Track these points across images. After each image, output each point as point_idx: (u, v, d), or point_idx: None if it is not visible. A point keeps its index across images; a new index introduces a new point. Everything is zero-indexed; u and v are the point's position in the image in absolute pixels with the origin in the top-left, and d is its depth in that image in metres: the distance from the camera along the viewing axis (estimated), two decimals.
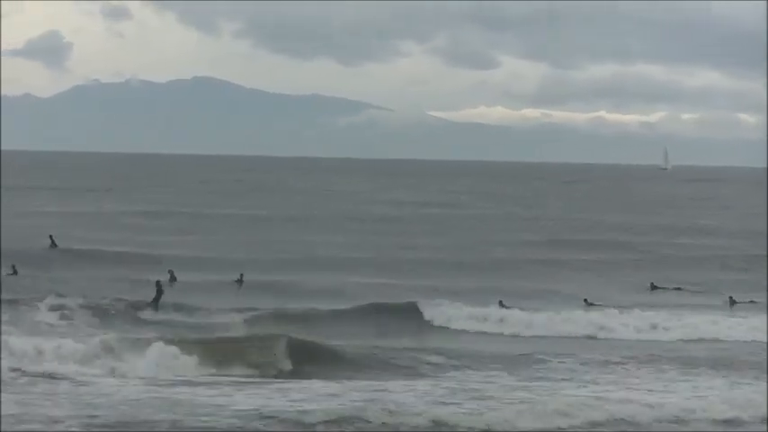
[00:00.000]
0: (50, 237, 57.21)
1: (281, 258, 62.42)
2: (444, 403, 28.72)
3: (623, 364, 36.31)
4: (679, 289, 56.24)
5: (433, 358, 36.11)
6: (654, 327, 44.72)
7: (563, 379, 33.44)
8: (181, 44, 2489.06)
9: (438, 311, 46.33)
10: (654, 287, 56.03)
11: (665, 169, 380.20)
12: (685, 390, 31.81)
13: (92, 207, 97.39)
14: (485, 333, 44.18)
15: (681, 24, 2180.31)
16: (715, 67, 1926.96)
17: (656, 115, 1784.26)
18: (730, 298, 51.86)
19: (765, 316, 44.98)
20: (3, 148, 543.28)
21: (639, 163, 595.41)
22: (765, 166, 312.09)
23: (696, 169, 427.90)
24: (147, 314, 42.66)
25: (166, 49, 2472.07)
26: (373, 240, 74.16)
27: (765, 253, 66.32)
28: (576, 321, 45.24)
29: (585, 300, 50.15)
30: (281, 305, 46.03)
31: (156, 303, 43.43)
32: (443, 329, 44.81)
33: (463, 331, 44.46)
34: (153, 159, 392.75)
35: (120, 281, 50.56)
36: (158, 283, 44.04)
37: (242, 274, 52.53)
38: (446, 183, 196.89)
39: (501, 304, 47.22)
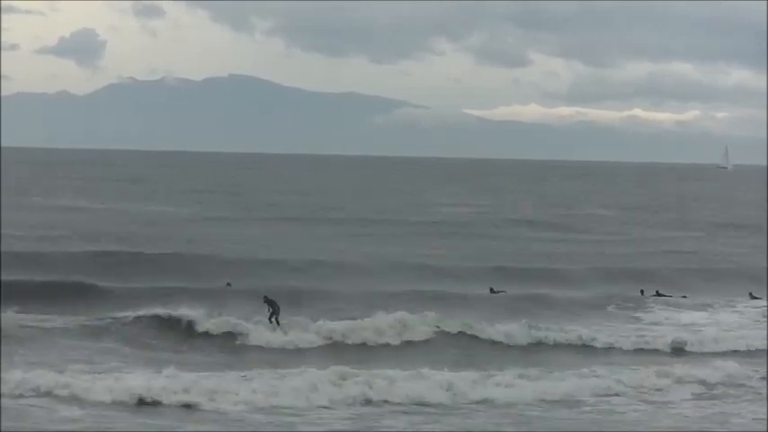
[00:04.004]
0: None
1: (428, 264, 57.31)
2: None
3: None
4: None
5: None
6: None
7: None
8: (214, 42, 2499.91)
9: None
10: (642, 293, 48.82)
11: (725, 168, 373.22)
12: None
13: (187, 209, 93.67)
14: None
15: (716, 23, 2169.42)
16: (748, 65, 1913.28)
17: (691, 114, 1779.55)
18: (750, 294, 49.00)
19: None
20: (45, 146, 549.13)
21: (676, 161, 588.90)
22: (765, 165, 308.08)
23: (755, 168, 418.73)
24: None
25: (199, 48, 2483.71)
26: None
27: None
28: None
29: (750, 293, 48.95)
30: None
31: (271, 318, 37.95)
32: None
33: None
34: (203, 158, 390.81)
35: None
36: (266, 299, 38.42)
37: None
38: (535, 185, 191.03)
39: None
